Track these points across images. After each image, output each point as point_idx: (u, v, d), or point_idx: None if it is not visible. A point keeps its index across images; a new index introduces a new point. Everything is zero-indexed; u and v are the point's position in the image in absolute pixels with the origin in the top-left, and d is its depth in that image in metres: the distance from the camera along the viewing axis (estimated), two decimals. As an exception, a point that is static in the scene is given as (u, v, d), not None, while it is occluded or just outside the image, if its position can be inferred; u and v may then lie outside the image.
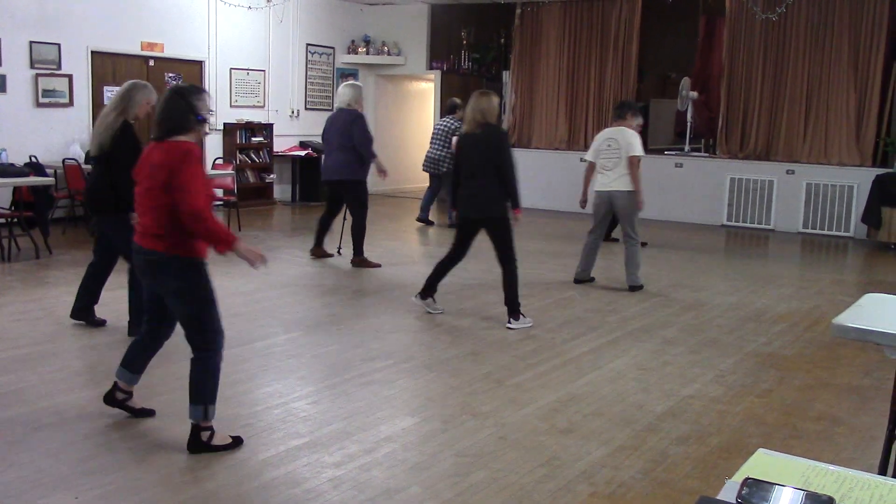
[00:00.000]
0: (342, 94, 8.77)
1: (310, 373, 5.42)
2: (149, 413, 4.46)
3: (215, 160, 12.45)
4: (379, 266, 8.75)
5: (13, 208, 9.21)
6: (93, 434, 4.23)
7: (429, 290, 6.80)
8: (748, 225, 12.62)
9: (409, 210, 13.44)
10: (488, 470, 3.93)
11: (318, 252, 9.09)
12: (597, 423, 4.57)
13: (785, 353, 6.11)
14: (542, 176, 13.38)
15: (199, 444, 4.03)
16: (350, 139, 8.49)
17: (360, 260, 8.78)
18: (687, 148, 13.56)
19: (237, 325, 6.37)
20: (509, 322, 6.48)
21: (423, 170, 11.85)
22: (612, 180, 7.82)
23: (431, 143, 11.73)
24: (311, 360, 5.67)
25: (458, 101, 11.74)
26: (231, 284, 7.84)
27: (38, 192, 9.18)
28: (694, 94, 12.84)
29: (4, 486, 3.62)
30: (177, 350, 4.65)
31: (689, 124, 12.94)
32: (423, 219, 11.89)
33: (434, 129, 11.87)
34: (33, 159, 10.40)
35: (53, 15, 11.01)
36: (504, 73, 15.69)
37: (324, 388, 5.08)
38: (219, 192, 11.52)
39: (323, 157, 8.95)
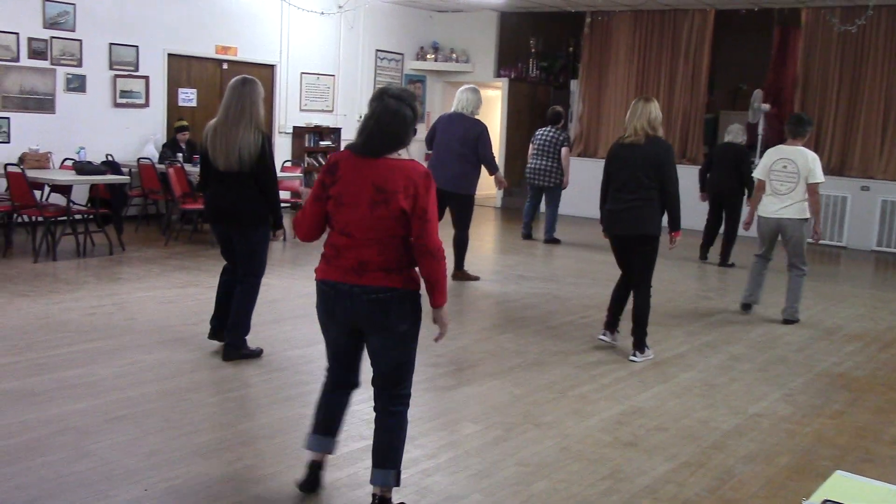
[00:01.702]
0: (463, 99, 8.27)
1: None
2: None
3: (284, 162, 12.63)
4: (478, 279, 8.50)
5: (90, 205, 9.47)
6: (161, 428, 4.31)
7: (612, 325, 6.27)
8: (820, 242, 12.30)
9: (478, 217, 13.42)
10: (550, 480, 3.90)
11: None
12: (661, 438, 4.50)
13: (857, 373, 5.95)
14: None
15: None
16: (472, 150, 8.08)
17: (461, 273, 8.48)
18: (757, 161, 13.29)
19: (300, 326, 6.45)
20: (634, 355, 5.96)
21: (527, 181, 11.46)
22: (783, 206, 7.11)
23: (535, 154, 11.20)
24: (375, 364, 5.70)
25: (560, 109, 11.49)
26: (291, 285, 7.94)
27: (114, 190, 9.41)
28: (766, 106, 12.60)
29: (77, 476, 3.72)
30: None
31: (759, 137, 12.70)
32: (527, 235, 11.51)
33: (536, 139, 11.25)
34: (109, 158, 10.67)
35: (132, 18, 11.31)
36: (572, 81, 15.62)
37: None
38: (287, 195, 11.71)
39: (432, 162, 8.29)
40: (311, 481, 3.68)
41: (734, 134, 10.06)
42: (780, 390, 5.46)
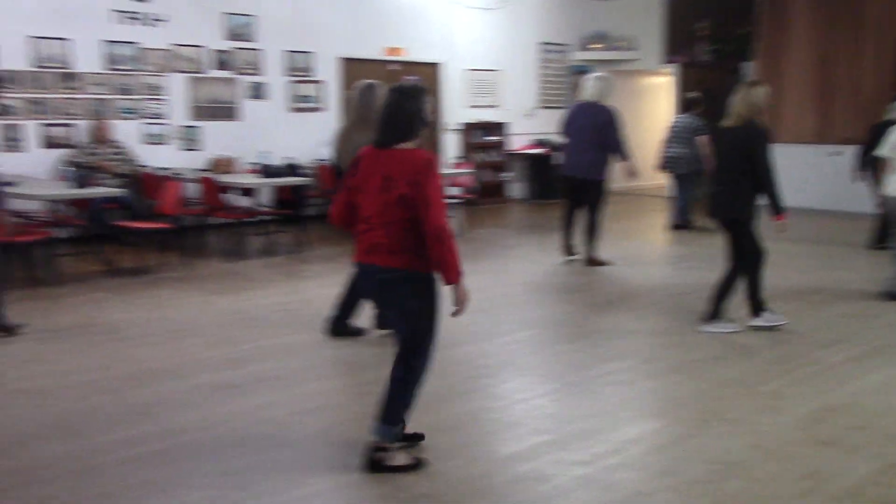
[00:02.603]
0: (591, 86, 8.43)
1: (551, 370, 5.44)
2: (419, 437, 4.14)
3: (454, 159, 12.81)
4: (610, 264, 8.61)
5: (275, 206, 9.95)
6: (351, 419, 4.46)
7: (717, 314, 6.16)
8: None
9: (640, 208, 13.17)
10: (744, 480, 3.76)
11: (569, 250, 8.75)
12: (862, 437, 4.24)
13: None
14: (790, 171, 12.64)
15: (378, 464, 3.78)
16: (601, 136, 8.21)
17: (593, 258, 8.66)
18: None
19: (479, 320, 6.51)
20: (752, 320, 6.12)
21: (662, 169, 11.40)
22: None
23: (670, 141, 11.17)
24: (552, 358, 5.69)
25: (696, 95, 11.31)
26: (468, 280, 8.02)
27: (295, 191, 9.84)
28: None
29: (274, 465, 3.91)
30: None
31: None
32: (683, 224, 11.21)
33: (672, 126, 11.29)
34: (290, 160, 11.16)
35: (307, 26, 11.79)
36: (745, 64, 14.98)
37: (566, 385, 5.08)
38: (456, 191, 11.87)
39: (565, 150, 8.67)
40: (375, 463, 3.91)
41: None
42: None
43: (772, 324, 6.13)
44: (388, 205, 3.58)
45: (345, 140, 5.66)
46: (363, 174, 3.71)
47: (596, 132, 8.23)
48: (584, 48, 15.48)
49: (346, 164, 5.42)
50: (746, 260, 6.04)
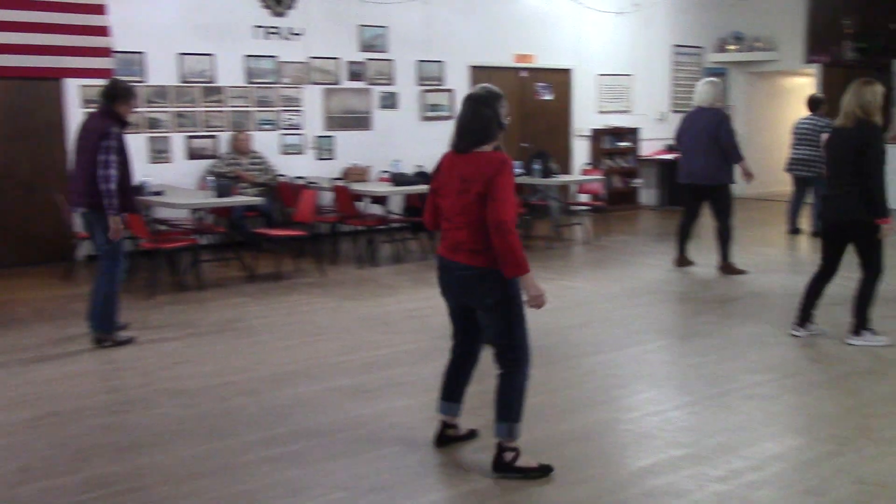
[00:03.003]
0: (703, 91, 8.45)
1: (686, 382, 5.28)
2: (473, 434, 4.31)
3: (583, 166, 12.67)
4: (746, 272, 8.36)
5: (405, 214, 10.10)
6: (481, 426, 4.45)
7: (805, 318, 6.09)
8: None
9: (779, 215, 12.64)
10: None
11: (682, 261, 8.74)
12: None
13: None
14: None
15: (503, 464, 3.86)
16: (716, 140, 8.15)
17: (727, 266, 8.43)
18: None
19: (609, 330, 6.41)
20: (850, 338, 5.88)
21: (789, 171, 10.92)
22: None
23: (796, 144, 10.67)
24: (688, 369, 5.53)
25: (820, 96, 10.88)
26: (597, 288, 7.92)
27: (425, 199, 9.95)
28: None
29: (409, 469, 3.95)
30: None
31: None
32: (794, 230, 10.96)
33: (796, 128, 10.73)
34: (420, 168, 11.30)
35: (437, 35, 11.92)
36: (894, 62, 14.19)
37: (703, 398, 4.92)
38: (585, 198, 11.74)
39: (681, 158, 8.61)
40: (440, 437, 4.20)
41: None
42: None
43: (871, 344, 5.79)
44: (467, 205, 3.72)
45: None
46: (443, 178, 3.89)
47: (710, 136, 8.17)
48: (719, 50, 15.04)
49: None
50: (866, 271, 5.78)
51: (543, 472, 3.86)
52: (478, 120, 3.79)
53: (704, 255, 8.95)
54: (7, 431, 4.52)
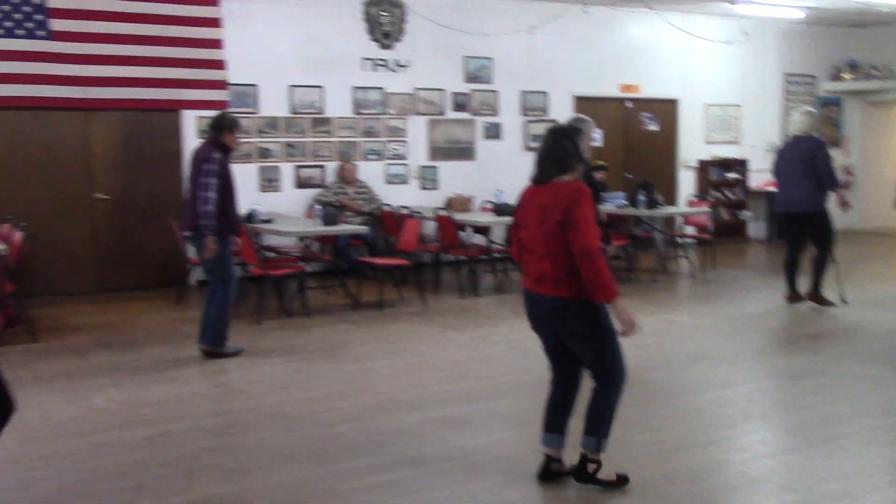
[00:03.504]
0: (798, 121, 8.33)
1: (800, 423, 5.07)
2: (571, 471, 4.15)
3: (690, 198, 12.43)
4: (834, 305, 8.15)
5: (507, 244, 10.08)
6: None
7: None
8: None
9: (886, 248, 12.13)
10: None
11: (793, 297, 8.39)
12: None
13: None
14: None
15: (585, 474, 3.99)
16: (813, 168, 7.98)
17: (815, 295, 8.22)
18: None
19: (717, 366, 6.23)
20: None
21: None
22: None
23: None
24: (801, 410, 5.30)
25: None
26: (703, 323, 7.72)
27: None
28: None
29: (506, 501, 3.90)
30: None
31: None
32: None
33: None
34: (522, 199, 11.30)
35: (542, 66, 11.93)
36: None
37: (817, 441, 4.70)
38: (692, 230, 11.50)
39: (778, 188, 8.50)
40: (544, 472, 4.12)
41: None
42: None
43: None
44: (548, 235, 3.79)
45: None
46: (524, 210, 4.00)
47: (805, 164, 8.03)
48: (833, 78, 14.57)
49: None
50: None
51: (621, 483, 3.99)
52: (558, 151, 3.90)
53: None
54: (123, 450, 4.68)
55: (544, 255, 3.82)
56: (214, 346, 6.51)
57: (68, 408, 5.41)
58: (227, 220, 6.43)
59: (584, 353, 3.91)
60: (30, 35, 8.83)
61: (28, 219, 8.19)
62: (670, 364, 6.30)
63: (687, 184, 13.28)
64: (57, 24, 8.92)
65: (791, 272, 8.42)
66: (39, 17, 8.87)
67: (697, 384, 5.81)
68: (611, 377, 3.90)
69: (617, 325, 3.80)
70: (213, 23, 9.66)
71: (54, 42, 8.92)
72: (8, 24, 8.73)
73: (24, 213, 8.55)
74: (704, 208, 11.31)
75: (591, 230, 3.71)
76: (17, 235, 7.57)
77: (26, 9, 8.80)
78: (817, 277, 8.24)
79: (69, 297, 9.14)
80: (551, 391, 4.14)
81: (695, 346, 6.88)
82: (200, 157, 6.44)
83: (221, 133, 6.51)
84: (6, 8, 8.70)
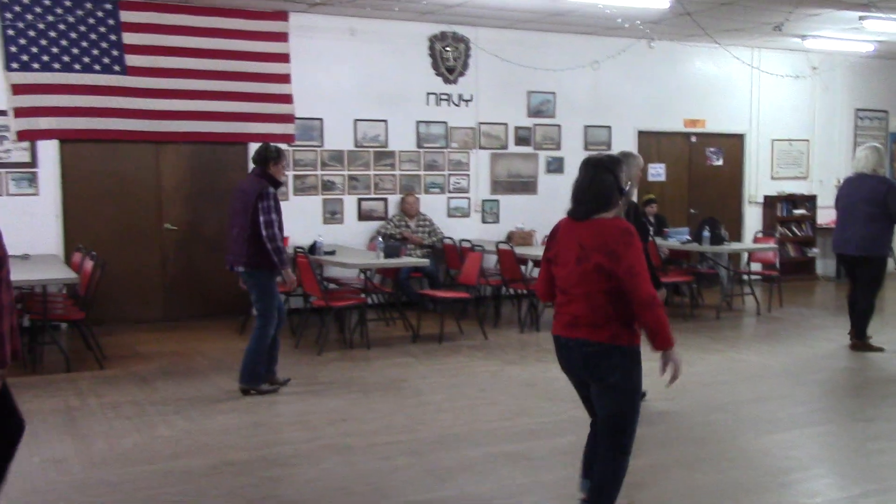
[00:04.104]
0: (864, 158, 8.03)
1: (872, 468, 4.90)
2: None
3: (756, 234, 12.21)
4: (883, 350, 7.89)
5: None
6: (643, 498, 4.30)
7: None
8: None
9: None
10: None
11: (858, 345, 8.07)
12: None
13: None
14: None
15: None
16: (881, 209, 7.70)
17: (861, 343, 7.98)
18: None
19: (784, 407, 6.07)
20: None
21: None
22: None
23: None
24: (872, 455, 5.13)
25: None
26: (769, 362, 7.55)
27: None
28: None
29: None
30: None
31: None
32: None
33: None
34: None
35: (605, 101, 11.90)
36: None
37: (891, 487, 4.55)
38: (758, 266, 11.28)
39: (836, 226, 8.23)
40: None
41: None
42: None
43: None
44: (586, 274, 3.55)
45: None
46: (559, 246, 3.72)
47: (871, 206, 7.74)
48: (906, 114, 14.24)
49: None
50: None
51: None
52: (597, 185, 3.63)
53: (889, 331, 8.37)
54: (186, 478, 4.73)
55: (580, 297, 3.58)
56: (247, 384, 6.50)
57: (134, 435, 5.50)
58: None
59: (609, 405, 3.66)
60: (106, 70, 9.14)
61: (99, 248, 8.39)
62: (735, 404, 6.16)
63: (753, 220, 13.05)
64: (132, 60, 9.21)
65: (854, 312, 8.13)
66: (116, 52, 9.17)
67: (763, 425, 5.67)
68: (624, 443, 3.66)
69: (665, 374, 3.58)
70: (283, 58, 9.89)
71: (129, 77, 9.22)
72: (86, 59, 9.05)
73: (95, 242, 8.77)
74: (771, 244, 11.09)
75: (647, 276, 3.50)
76: (88, 264, 7.78)
77: (103, 45, 9.11)
78: (861, 323, 8.00)
79: (137, 325, 9.34)
80: (590, 435, 3.97)
81: (760, 386, 6.72)
82: (250, 191, 6.35)
83: (267, 165, 6.46)
84: (84, 44, 9.03)
